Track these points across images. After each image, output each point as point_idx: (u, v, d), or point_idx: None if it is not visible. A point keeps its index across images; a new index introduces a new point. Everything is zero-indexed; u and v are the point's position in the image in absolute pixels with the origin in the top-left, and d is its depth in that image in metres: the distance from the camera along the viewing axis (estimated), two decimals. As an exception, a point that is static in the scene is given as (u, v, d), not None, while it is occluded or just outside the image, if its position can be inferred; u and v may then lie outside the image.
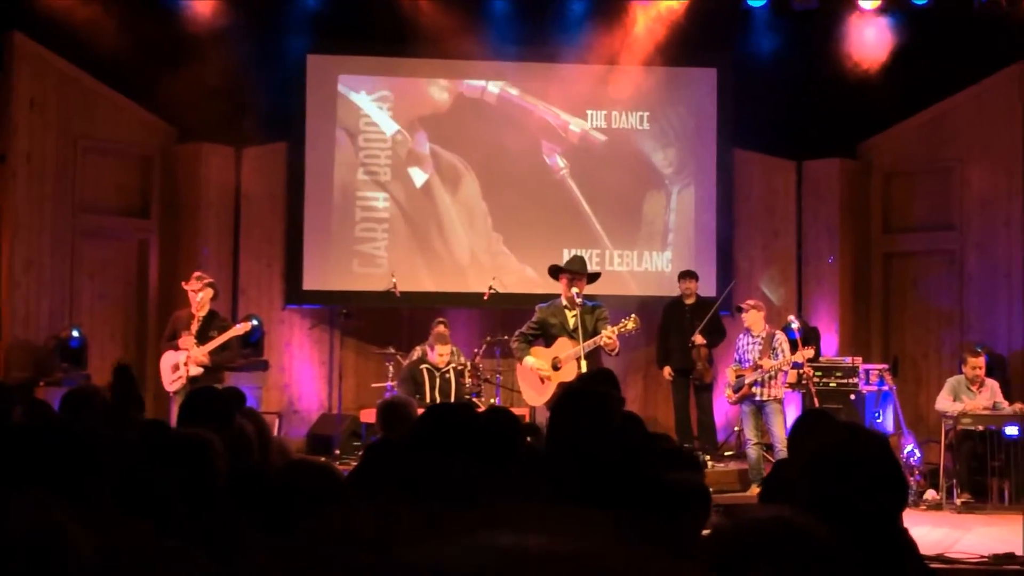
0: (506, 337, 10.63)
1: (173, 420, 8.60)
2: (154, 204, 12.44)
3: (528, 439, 4.43)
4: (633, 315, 9.16)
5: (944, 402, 10.68)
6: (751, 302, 10.78)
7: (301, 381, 12.81)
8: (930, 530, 8.97)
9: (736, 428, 11.74)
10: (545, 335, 9.36)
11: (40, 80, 11.49)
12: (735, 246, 13.07)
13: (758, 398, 10.33)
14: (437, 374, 10.75)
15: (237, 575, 2.43)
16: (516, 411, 9.59)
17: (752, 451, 10.42)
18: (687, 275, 12.03)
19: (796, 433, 4.75)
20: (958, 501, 10.17)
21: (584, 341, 9.01)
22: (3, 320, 11.12)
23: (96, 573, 1.85)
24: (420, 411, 5.34)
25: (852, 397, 11.17)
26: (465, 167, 12.82)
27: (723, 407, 11.86)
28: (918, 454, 10.58)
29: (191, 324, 9.89)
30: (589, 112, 12.94)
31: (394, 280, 11.99)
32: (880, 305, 13.10)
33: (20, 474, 2.77)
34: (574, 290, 9.18)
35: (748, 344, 10.54)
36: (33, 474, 2.75)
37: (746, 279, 12.91)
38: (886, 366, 11.64)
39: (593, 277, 9.51)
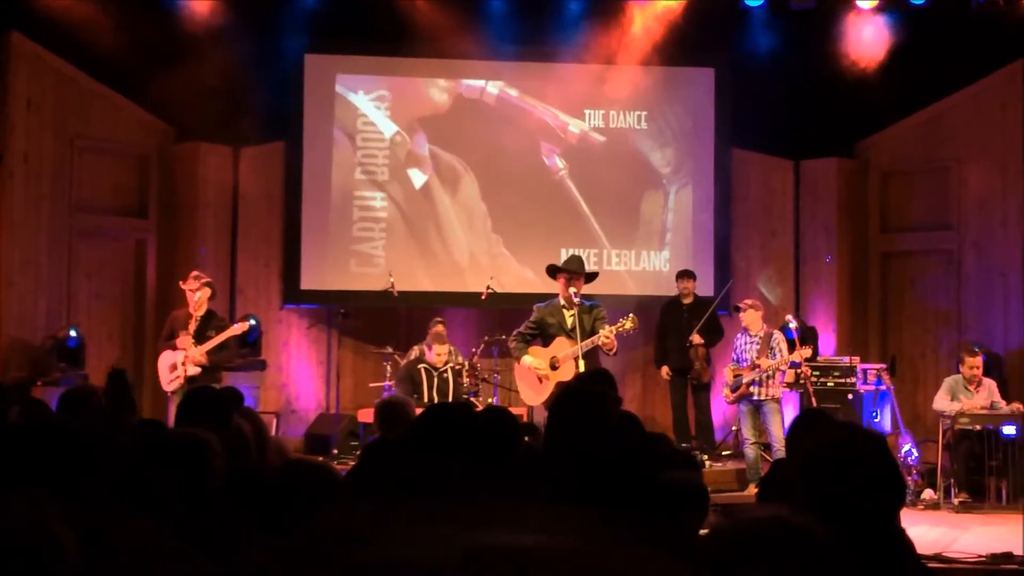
0: (504, 337, 10.63)
1: (171, 420, 8.61)
2: (151, 204, 12.43)
3: (526, 439, 4.42)
4: (631, 315, 9.17)
5: (942, 402, 10.68)
6: (749, 302, 10.78)
7: (299, 381, 12.80)
8: (928, 529, 8.98)
9: (734, 427, 11.75)
10: (543, 335, 9.36)
11: (37, 80, 11.48)
12: (733, 246, 13.08)
13: (756, 397, 10.33)
14: (435, 374, 10.75)
15: (235, 575, 2.43)
16: (514, 410, 9.58)
17: (750, 450, 10.43)
18: (685, 275, 12.03)
19: (794, 433, 4.75)
20: (956, 500, 10.17)
21: (582, 341, 9.01)
22: (0, 320, 11.11)
23: (81, 572, 1.85)
24: (418, 411, 5.34)
25: (850, 397, 11.18)
26: (464, 168, 12.81)
27: (721, 406, 11.86)
28: (916, 453, 10.58)
29: (189, 324, 9.88)
30: (587, 112, 12.93)
31: (392, 280, 11.98)
32: (878, 305, 13.10)
33: (16, 474, 2.77)
34: (572, 290, 9.18)
35: (746, 344, 10.54)
36: (30, 474, 2.75)
37: (744, 279, 12.91)
38: (884, 366, 11.65)
39: (591, 277, 9.51)
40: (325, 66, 12.76)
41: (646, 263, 13.00)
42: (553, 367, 9.18)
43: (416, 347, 11.27)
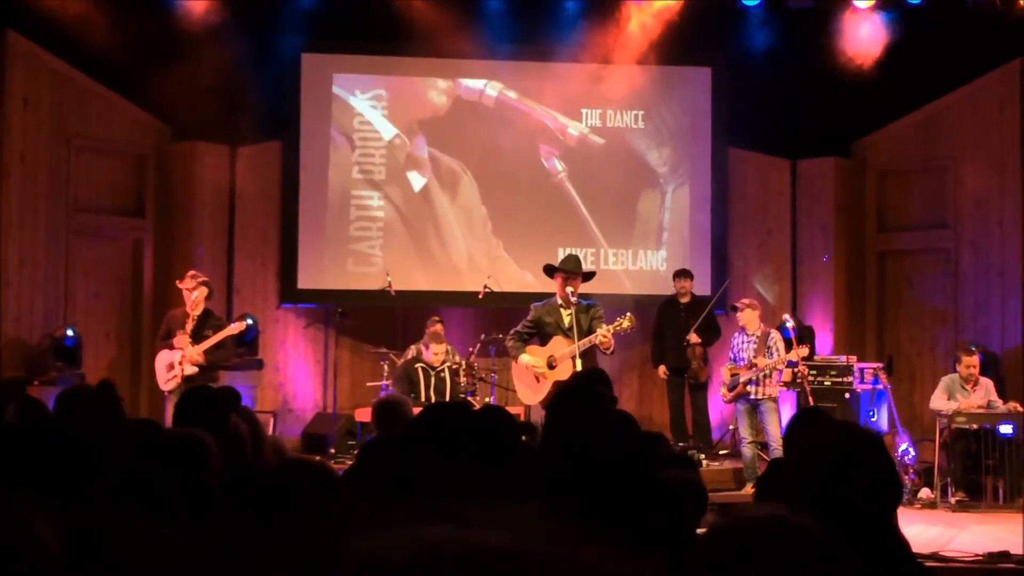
0: (501, 336, 10.64)
1: (168, 419, 8.61)
2: (148, 203, 12.42)
3: (523, 438, 4.42)
4: (628, 314, 9.17)
5: (938, 401, 10.69)
6: (746, 301, 10.79)
7: (296, 380, 12.80)
8: (925, 529, 8.98)
9: (731, 427, 11.75)
10: (540, 334, 9.37)
11: (34, 79, 11.47)
12: (730, 245, 13.08)
13: (753, 397, 10.34)
14: (432, 373, 10.75)
15: (231, 573, 2.42)
16: (511, 410, 9.58)
17: (747, 450, 10.44)
18: (682, 274, 12.03)
19: (791, 432, 4.75)
20: (952, 500, 10.18)
21: (579, 340, 9.01)
22: (-3, 319, 11.12)
23: (63, 572, 1.85)
24: (416, 410, 5.34)
25: (847, 396, 11.18)
26: (463, 170, 12.80)
27: (718, 406, 11.86)
28: (912, 453, 10.59)
29: (186, 323, 9.88)
30: (584, 111, 12.93)
31: (389, 279, 11.98)
32: (874, 304, 13.11)
33: (11, 473, 2.77)
34: (569, 289, 9.18)
35: (743, 343, 10.55)
36: (25, 473, 2.75)
37: (741, 278, 12.91)
38: (880, 365, 11.65)
39: (588, 276, 9.51)
40: (322, 65, 12.75)
41: (643, 262, 13.01)
42: (550, 366, 9.18)
43: (413, 346, 11.27)
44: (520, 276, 12.53)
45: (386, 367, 11.56)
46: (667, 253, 13.00)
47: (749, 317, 10.55)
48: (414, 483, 2.94)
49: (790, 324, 10.78)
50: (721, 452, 11.92)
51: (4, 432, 3.20)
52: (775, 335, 10.52)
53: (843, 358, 11.57)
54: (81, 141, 11.85)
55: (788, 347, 10.46)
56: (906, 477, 10.31)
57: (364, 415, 10.82)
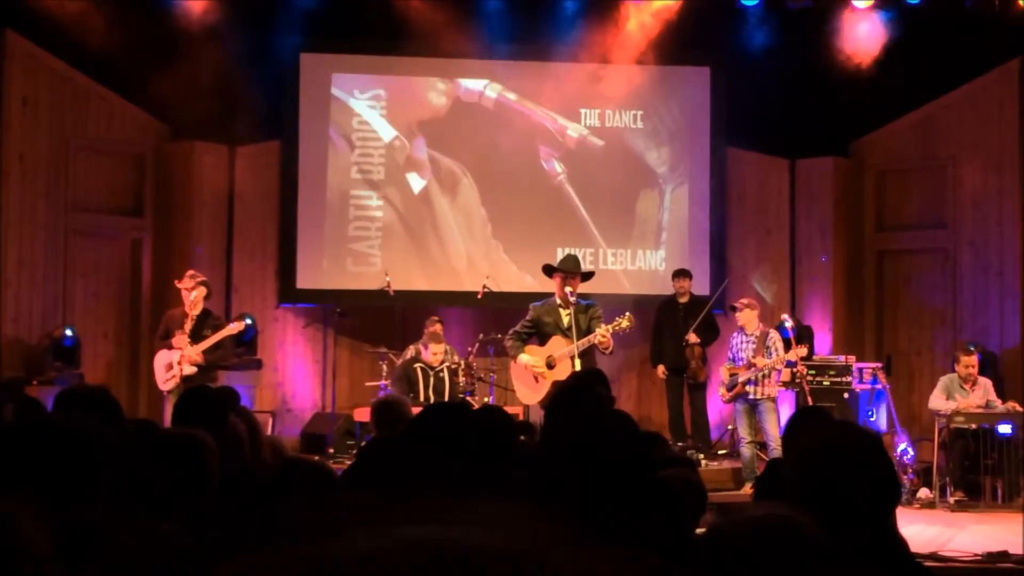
0: (500, 336, 10.63)
1: (167, 419, 8.61)
2: (147, 203, 12.42)
3: (522, 438, 4.42)
4: (627, 313, 9.18)
5: (937, 400, 10.69)
6: (745, 301, 10.79)
7: (295, 380, 12.80)
8: (923, 528, 8.98)
9: (730, 426, 11.74)
10: (539, 334, 9.37)
11: (32, 78, 11.47)
12: (728, 245, 13.08)
13: (752, 396, 10.34)
14: (431, 373, 10.75)
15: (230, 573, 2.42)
16: (510, 410, 9.58)
17: (746, 449, 10.44)
18: (681, 274, 12.03)
19: (790, 431, 4.75)
20: (951, 499, 10.18)
21: (578, 340, 9.01)
22: (-4, 319, 11.12)
23: (51, 567, 1.85)
24: (415, 410, 5.34)
25: (845, 395, 11.18)
26: (463, 172, 12.80)
27: (717, 405, 11.86)
28: (911, 452, 10.59)
29: (184, 323, 9.87)
30: (583, 111, 12.93)
31: (388, 279, 11.97)
32: (873, 303, 13.12)
33: (12, 473, 2.77)
34: (568, 289, 9.18)
35: (742, 343, 10.55)
36: (23, 472, 2.75)
37: (740, 278, 12.92)
38: (879, 364, 11.66)
39: (587, 276, 9.52)
40: (321, 65, 12.75)
41: (642, 262, 13.01)
42: (549, 366, 9.18)
43: (412, 346, 11.27)
44: (520, 278, 12.51)
45: (385, 367, 11.56)
46: (666, 253, 13.00)
47: (748, 317, 10.56)
48: (413, 483, 2.94)
49: (789, 324, 10.79)
50: (720, 452, 11.92)
51: (3, 432, 3.20)
52: (774, 335, 10.52)
53: (842, 358, 11.58)
54: (80, 141, 11.85)
55: (787, 347, 10.46)
56: (905, 477, 10.31)
57: (363, 415, 10.82)
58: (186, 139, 12.37)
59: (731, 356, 10.65)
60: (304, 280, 12.56)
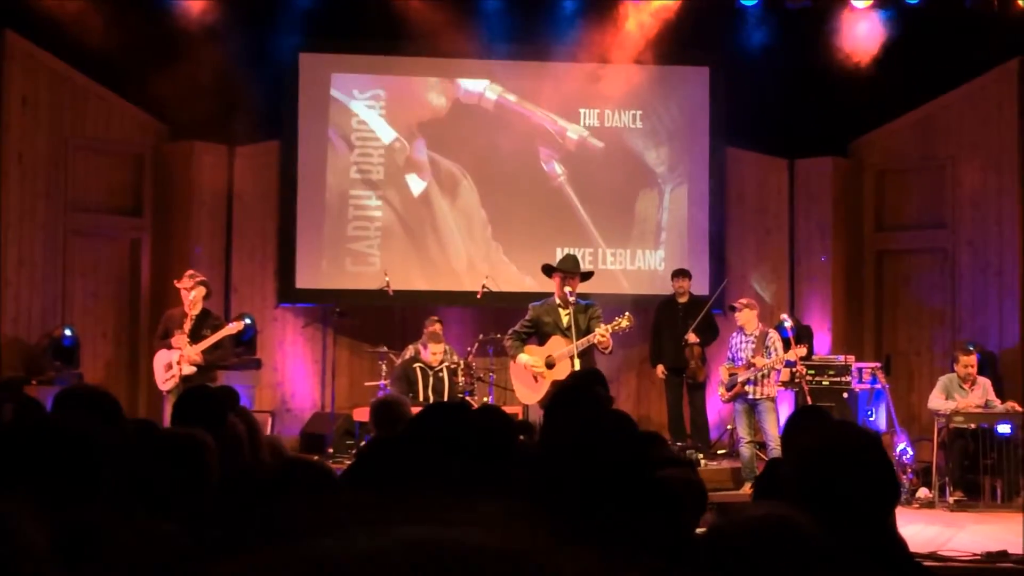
0: (499, 335, 10.64)
1: (166, 419, 8.61)
2: (146, 202, 12.42)
3: (521, 437, 4.43)
4: (627, 313, 9.18)
5: (936, 400, 10.69)
6: (744, 301, 10.79)
7: (294, 380, 12.80)
8: (923, 528, 8.99)
9: (729, 426, 11.75)
10: (539, 333, 9.38)
11: (32, 78, 11.47)
12: (728, 244, 13.08)
13: (751, 396, 10.34)
14: (430, 373, 10.75)
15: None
16: (509, 409, 9.59)
17: (745, 449, 10.44)
18: (680, 274, 12.03)
19: (789, 429, 4.76)
20: (951, 499, 10.19)
21: (577, 340, 9.01)
22: (-4, 319, 11.12)
23: (49, 566, 1.85)
24: (414, 410, 5.34)
25: (845, 395, 11.18)
26: (463, 174, 12.79)
27: (716, 405, 11.86)
28: (910, 452, 10.60)
29: (184, 323, 9.87)
30: (582, 111, 12.93)
31: (387, 279, 11.97)
32: (872, 303, 13.12)
33: (11, 473, 2.77)
34: (567, 289, 9.19)
35: (741, 342, 10.56)
36: (24, 473, 2.75)
37: (739, 278, 12.92)
38: (879, 364, 11.66)
39: (586, 276, 9.52)
40: (320, 65, 12.75)
41: (641, 262, 13.01)
42: (549, 366, 9.19)
43: (411, 346, 11.27)
44: (520, 279, 12.49)
45: (384, 367, 11.56)
46: (665, 253, 13.00)
47: (747, 317, 10.56)
48: (413, 483, 2.94)
49: (788, 324, 10.79)
50: (719, 452, 11.91)
51: (2, 432, 3.20)
52: (773, 335, 10.52)
53: (841, 358, 11.58)
54: (79, 140, 11.84)
55: (786, 347, 10.46)
56: (904, 477, 10.32)
57: (362, 415, 10.82)
58: (185, 139, 12.37)
59: (730, 356, 10.65)
60: (303, 280, 12.56)
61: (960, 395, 10.62)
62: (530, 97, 12.86)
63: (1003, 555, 7.62)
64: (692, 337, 11.55)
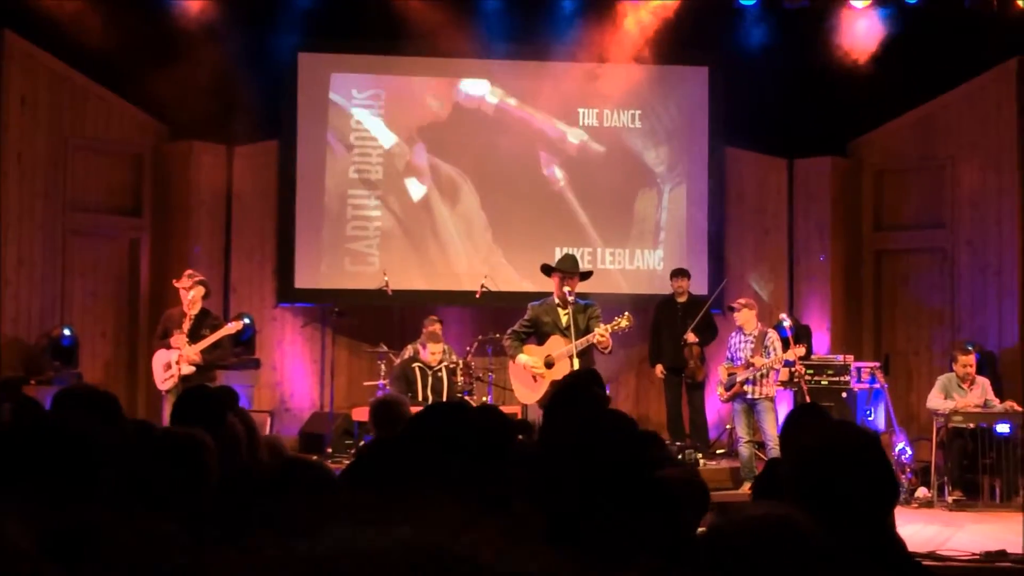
0: (498, 335, 10.63)
1: (165, 419, 8.61)
2: (145, 202, 12.42)
3: (520, 437, 4.43)
4: (627, 313, 9.19)
5: (935, 400, 10.69)
6: (743, 301, 10.79)
7: (293, 379, 12.79)
8: (922, 528, 8.99)
9: (728, 426, 11.75)
10: (538, 333, 9.38)
11: (31, 78, 11.47)
12: (727, 244, 13.08)
13: (750, 396, 10.34)
14: (429, 372, 10.75)
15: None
16: (508, 409, 9.61)
17: (744, 449, 10.44)
18: (679, 273, 12.03)
19: (788, 426, 4.76)
20: (949, 499, 10.19)
21: (576, 339, 9.02)
22: (-5, 319, 11.12)
23: (35, 567, 1.85)
24: (413, 409, 5.33)
25: (844, 395, 11.18)
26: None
27: (715, 405, 11.86)
28: (909, 452, 10.60)
29: (183, 323, 9.87)
30: (581, 110, 12.92)
31: (386, 279, 11.97)
32: (871, 303, 13.12)
33: (9, 473, 2.77)
34: (566, 288, 9.19)
35: (740, 342, 10.56)
36: (22, 472, 2.75)
37: (738, 277, 12.92)
38: (877, 364, 11.66)
39: (585, 275, 9.52)
40: (319, 64, 12.74)
41: (640, 262, 13.00)
42: (548, 366, 9.19)
43: (410, 346, 11.27)
44: (520, 283, 12.46)
45: (383, 366, 11.56)
46: (664, 252, 13.00)
47: (746, 317, 10.56)
48: (412, 482, 2.94)
49: (787, 323, 10.80)
50: (718, 451, 11.91)
51: (1, 432, 3.20)
52: (772, 334, 10.52)
53: (840, 357, 11.58)
54: (78, 140, 11.84)
55: (785, 346, 10.46)
56: (903, 476, 10.32)
57: (361, 414, 10.82)
58: (184, 139, 12.37)
59: (729, 356, 10.65)
60: (302, 280, 12.55)
61: (959, 395, 10.62)
62: (529, 97, 12.85)
63: (1002, 554, 7.62)
64: (691, 337, 11.56)
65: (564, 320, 9.20)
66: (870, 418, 11.22)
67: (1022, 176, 12.00)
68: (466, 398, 10.83)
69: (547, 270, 9.56)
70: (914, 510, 9.97)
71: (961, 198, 12.45)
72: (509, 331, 9.58)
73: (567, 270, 9.34)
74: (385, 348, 11.73)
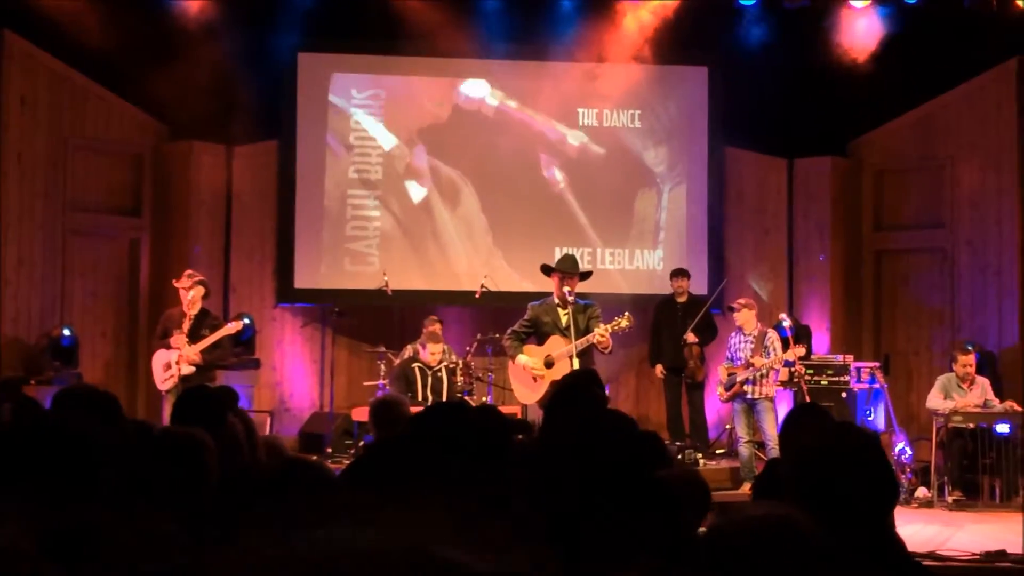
0: (498, 335, 10.63)
1: (165, 419, 8.61)
2: (145, 202, 12.42)
3: (519, 436, 4.43)
4: (627, 313, 9.19)
5: (935, 400, 10.69)
6: (743, 301, 10.79)
7: (293, 379, 12.79)
8: (922, 528, 8.99)
9: (728, 426, 11.76)
10: (537, 333, 9.38)
11: (31, 78, 11.47)
12: (726, 244, 13.08)
13: (750, 396, 10.34)
14: (429, 372, 10.75)
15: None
16: (507, 409, 9.62)
17: (744, 449, 10.44)
18: (679, 273, 12.03)
19: (787, 426, 4.76)
20: (949, 499, 10.19)
21: (576, 339, 9.02)
22: (-5, 319, 11.12)
23: (36, 567, 1.85)
24: (413, 409, 5.34)
25: (843, 395, 11.18)
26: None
27: (715, 405, 11.87)
28: (909, 452, 10.60)
29: (183, 323, 9.87)
30: (580, 110, 12.92)
31: (386, 279, 11.97)
32: (871, 303, 13.12)
33: (9, 472, 2.77)
34: (566, 288, 9.19)
35: (740, 342, 10.56)
36: (22, 472, 2.75)
37: (738, 278, 12.92)
38: (877, 364, 11.66)
39: (585, 275, 9.52)
40: (319, 64, 12.74)
41: (640, 262, 13.00)
42: (548, 365, 9.19)
43: (410, 346, 11.26)
44: (520, 284, 12.45)
45: (383, 366, 11.56)
46: (664, 252, 13.00)
47: (746, 317, 10.56)
48: (411, 482, 2.94)
49: (787, 323, 10.80)
50: (718, 451, 11.91)
51: (1, 432, 3.20)
52: (772, 334, 10.52)
53: (840, 357, 11.58)
54: (78, 140, 11.84)
55: (785, 346, 10.47)
56: (903, 476, 10.32)
57: (361, 414, 10.82)
58: (184, 139, 12.37)
59: (729, 356, 10.65)
60: (302, 280, 12.56)
61: (959, 395, 10.62)
62: (529, 98, 12.84)
63: (1002, 554, 7.62)
64: (691, 337, 11.56)
65: (564, 320, 9.20)
66: (870, 418, 11.22)
67: (1022, 176, 12.01)
68: (466, 398, 10.83)
69: (547, 270, 9.56)
70: (914, 510, 9.97)
71: (961, 198, 12.45)
72: (509, 331, 9.58)
73: (567, 270, 9.34)
74: (384, 348, 11.73)
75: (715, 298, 11.97)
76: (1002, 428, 10.21)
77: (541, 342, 9.32)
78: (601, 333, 8.96)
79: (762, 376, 10.32)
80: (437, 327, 11.03)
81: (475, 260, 12.70)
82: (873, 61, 11.94)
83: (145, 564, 2.32)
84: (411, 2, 12.11)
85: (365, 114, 12.74)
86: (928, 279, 12.76)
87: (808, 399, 10.35)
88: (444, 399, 10.30)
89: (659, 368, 11.86)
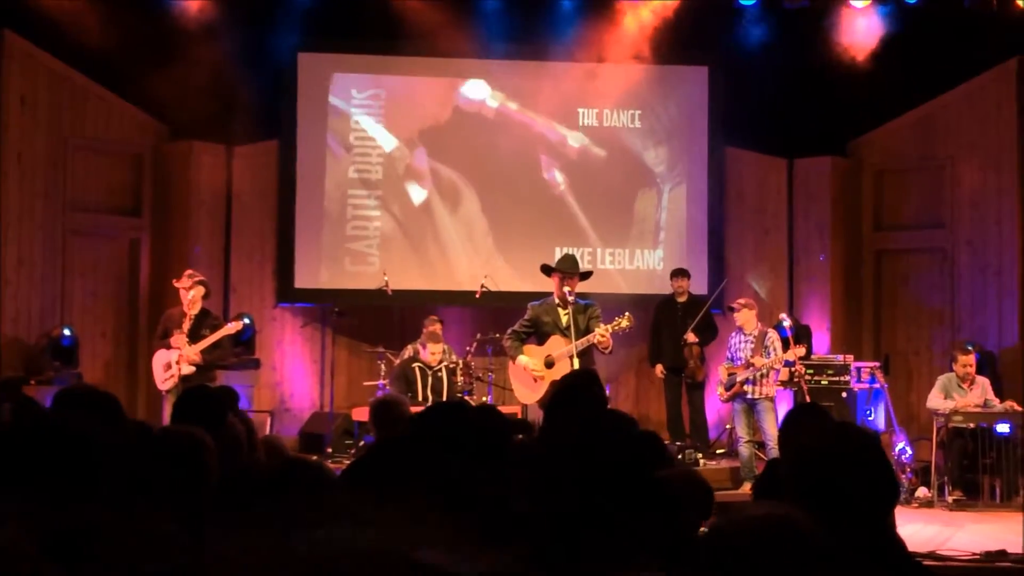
0: (498, 335, 10.63)
1: (165, 419, 8.61)
2: (145, 202, 12.42)
3: (519, 436, 4.43)
4: (627, 313, 9.19)
5: (935, 400, 10.69)
6: (743, 301, 10.79)
7: (293, 379, 12.79)
8: (922, 527, 8.99)
9: (728, 426, 11.76)
10: (538, 333, 9.38)
11: (31, 78, 11.47)
12: (727, 244, 13.08)
13: (750, 396, 10.34)
14: (429, 372, 10.75)
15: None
16: (508, 409, 9.62)
17: (744, 449, 10.44)
18: (679, 273, 12.03)
19: (787, 426, 4.76)
20: (950, 499, 10.19)
21: (577, 339, 9.01)
22: (-5, 319, 11.11)
23: (36, 567, 1.85)
24: (413, 409, 5.34)
25: (844, 395, 11.18)
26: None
27: (715, 405, 11.87)
28: (909, 452, 10.60)
29: (183, 323, 9.87)
30: (580, 110, 12.92)
31: (386, 279, 11.97)
32: (871, 303, 13.12)
33: (9, 472, 2.77)
34: (566, 288, 9.19)
35: (740, 342, 10.56)
36: (22, 472, 2.75)
37: (738, 277, 12.92)
38: (877, 364, 11.66)
39: (585, 275, 9.52)
40: (319, 64, 12.74)
41: (640, 262, 13.00)
42: (548, 365, 9.18)
43: (410, 346, 11.27)
44: (520, 284, 12.44)
45: (383, 366, 11.56)
46: (664, 252, 13.00)
47: (746, 317, 10.56)
48: (412, 482, 2.94)
49: (787, 323, 10.80)
50: (718, 451, 11.91)
51: (1, 432, 3.20)
52: (772, 334, 10.53)
53: (840, 357, 11.58)
54: (78, 140, 11.84)
55: (785, 346, 10.47)
56: (903, 476, 10.32)
57: (361, 414, 10.83)
58: (184, 139, 12.37)
59: (729, 355, 10.65)
60: (302, 280, 12.55)
61: (959, 394, 10.62)
62: (529, 99, 12.84)
63: (1002, 554, 7.62)
64: (691, 337, 11.56)
65: (564, 320, 9.20)
66: (870, 418, 11.22)
67: (1022, 176, 12.01)
68: (466, 398, 10.83)
69: (547, 270, 9.56)
70: (914, 510, 9.97)
71: (961, 198, 12.45)
72: (509, 331, 9.58)
73: (567, 270, 9.34)
74: (384, 348, 11.73)
75: (715, 298, 11.97)
76: (1002, 428, 10.21)
77: (541, 342, 9.32)
78: (601, 333, 8.96)
79: (762, 376, 10.32)
80: (437, 327, 11.03)
81: (475, 261, 12.69)
82: (873, 61, 11.94)
83: (145, 564, 2.32)
84: (411, 2, 12.11)
85: (365, 114, 12.74)
86: (928, 279, 12.76)
87: (808, 399, 10.35)
88: (444, 399, 10.30)
89: (659, 368, 11.86)
